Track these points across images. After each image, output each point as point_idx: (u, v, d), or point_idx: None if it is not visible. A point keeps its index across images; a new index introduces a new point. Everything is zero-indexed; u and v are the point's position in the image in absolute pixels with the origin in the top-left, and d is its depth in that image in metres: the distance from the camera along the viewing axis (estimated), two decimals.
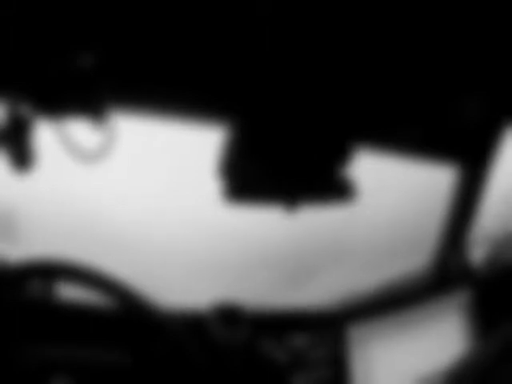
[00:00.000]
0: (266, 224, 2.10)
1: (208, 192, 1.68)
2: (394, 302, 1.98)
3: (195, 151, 1.91)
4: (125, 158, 1.71)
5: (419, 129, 1.78)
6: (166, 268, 2.33)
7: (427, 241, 2.02)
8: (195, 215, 2.32)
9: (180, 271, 2.36)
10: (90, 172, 1.51)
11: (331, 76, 1.58)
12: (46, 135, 1.44)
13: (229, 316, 1.86)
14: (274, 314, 2.03)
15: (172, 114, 1.62)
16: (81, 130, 1.46)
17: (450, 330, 1.84)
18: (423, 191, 2.18)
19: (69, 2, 1.33)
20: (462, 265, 1.92)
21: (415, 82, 1.63)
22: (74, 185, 2.15)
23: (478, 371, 1.10)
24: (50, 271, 1.33)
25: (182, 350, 1.34)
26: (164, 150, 2.18)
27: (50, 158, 1.46)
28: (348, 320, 2.03)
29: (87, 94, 1.44)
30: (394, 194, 2.30)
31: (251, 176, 1.66)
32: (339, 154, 1.66)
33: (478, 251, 1.89)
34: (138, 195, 2.30)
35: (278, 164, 1.66)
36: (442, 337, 1.86)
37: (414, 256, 2.08)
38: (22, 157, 1.41)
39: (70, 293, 1.46)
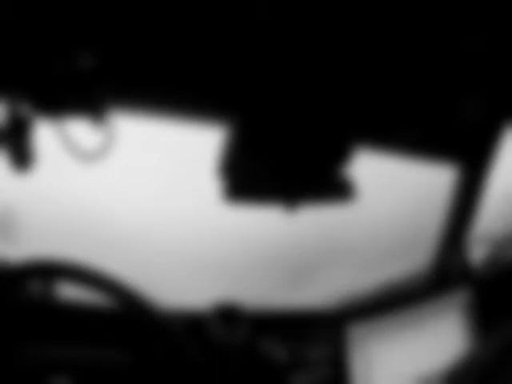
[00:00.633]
0: (266, 224, 2.10)
1: (208, 192, 1.68)
2: (393, 302, 1.98)
3: (195, 151, 1.91)
4: (125, 157, 1.71)
5: (419, 129, 1.78)
6: (165, 268, 2.33)
7: (427, 241, 2.02)
8: (195, 215, 2.32)
9: (180, 271, 2.36)
10: (90, 172, 1.51)
11: (331, 76, 1.58)
12: (45, 135, 1.44)
13: (229, 316, 1.86)
14: (274, 314, 2.03)
15: (172, 114, 1.62)
16: (81, 130, 1.46)
17: (450, 329, 1.84)
18: (423, 191, 2.18)
19: (69, 3, 1.33)
20: (461, 265, 1.92)
21: (415, 82, 1.63)
22: (73, 185, 2.15)
23: (478, 371, 1.10)
24: (50, 271, 1.33)
25: (181, 350, 1.34)
26: (164, 149, 2.18)
27: (50, 157, 1.46)
28: (348, 320, 2.03)
29: (87, 94, 1.44)
30: (394, 194, 2.30)
31: (251, 176, 1.66)
32: (339, 154, 1.66)
33: (477, 251, 1.89)
34: (137, 195, 2.30)
35: (278, 164, 1.66)
36: (442, 337, 1.86)
37: (414, 256, 2.08)
38: (21, 157, 1.41)
39: (70, 293, 1.46)
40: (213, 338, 1.83)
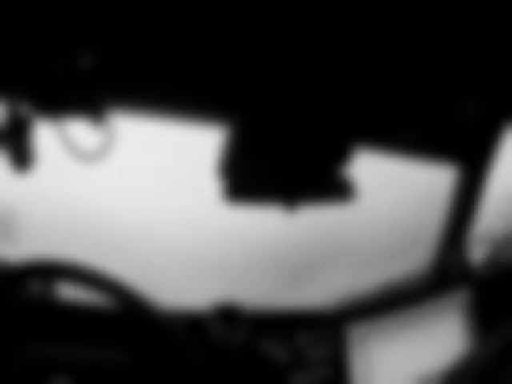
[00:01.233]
0: (266, 224, 2.10)
1: (208, 192, 1.68)
2: (393, 302, 1.98)
3: (195, 151, 1.91)
4: (125, 158, 1.71)
5: (419, 129, 1.78)
6: (165, 268, 2.33)
7: (427, 241, 2.02)
8: (195, 215, 2.32)
9: (180, 271, 2.36)
10: (90, 172, 1.51)
11: (331, 76, 1.58)
12: (45, 135, 1.44)
13: (229, 316, 1.86)
14: (274, 314, 2.03)
15: (172, 114, 1.62)
16: (81, 130, 1.46)
17: (450, 329, 1.84)
18: (423, 191, 2.18)
19: (69, 3, 1.33)
20: (461, 265, 1.92)
21: (415, 82, 1.63)
22: (73, 185, 2.15)
23: (477, 371, 1.10)
24: (50, 271, 1.33)
25: (181, 350, 1.34)
26: (164, 150, 2.18)
27: (50, 157, 1.46)
28: (348, 320, 2.03)
29: (87, 94, 1.44)
30: (394, 194, 2.30)
31: (251, 176, 1.66)
32: (339, 154, 1.66)
33: (477, 251, 1.89)
34: (137, 195, 2.30)
35: (278, 164, 1.66)
36: (442, 337, 1.86)
37: (414, 256, 2.08)
38: (21, 157, 1.41)
39: (70, 293, 1.46)
40: (213, 338, 1.83)
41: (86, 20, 1.37)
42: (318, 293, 2.17)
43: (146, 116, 1.60)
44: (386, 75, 1.60)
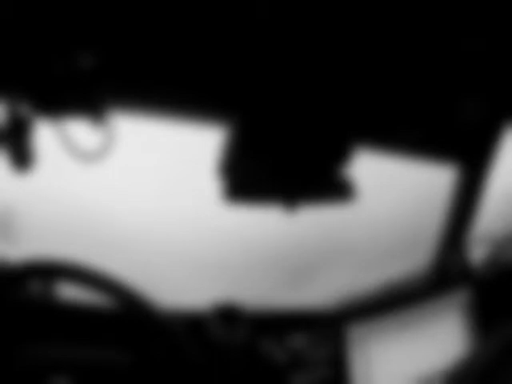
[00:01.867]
0: (266, 224, 2.10)
1: (208, 192, 1.68)
2: (393, 302, 1.98)
3: (195, 151, 1.91)
4: (125, 157, 1.71)
5: (419, 129, 1.78)
6: (165, 268, 2.33)
7: (427, 241, 2.02)
8: (195, 215, 2.32)
9: (180, 271, 2.36)
10: (90, 172, 1.51)
11: (331, 76, 1.58)
12: (46, 135, 1.44)
13: (229, 316, 1.86)
14: (273, 314, 2.03)
15: (172, 114, 1.62)
16: (81, 130, 1.46)
17: (450, 329, 1.84)
18: (423, 191, 2.18)
19: (69, 3, 1.33)
20: (461, 265, 1.92)
21: (415, 82, 1.63)
22: (73, 185, 2.15)
23: (478, 371, 1.10)
24: (50, 271, 1.33)
25: (181, 350, 1.34)
26: (164, 150, 2.18)
27: (50, 157, 1.46)
28: (348, 320, 2.03)
29: (87, 94, 1.44)
30: (394, 194, 2.30)
31: (251, 176, 1.66)
32: (339, 154, 1.66)
33: (477, 251, 1.89)
34: (137, 195, 2.30)
35: (278, 164, 1.66)
36: (442, 337, 1.86)
37: (414, 256, 2.08)
38: (21, 157, 1.41)
39: (70, 293, 1.46)
40: (213, 338, 1.83)
41: (86, 20, 1.37)
42: (318, 293, 2.17)
43: (145, 116, 1.60)
44: (385, 75, 1.60)
